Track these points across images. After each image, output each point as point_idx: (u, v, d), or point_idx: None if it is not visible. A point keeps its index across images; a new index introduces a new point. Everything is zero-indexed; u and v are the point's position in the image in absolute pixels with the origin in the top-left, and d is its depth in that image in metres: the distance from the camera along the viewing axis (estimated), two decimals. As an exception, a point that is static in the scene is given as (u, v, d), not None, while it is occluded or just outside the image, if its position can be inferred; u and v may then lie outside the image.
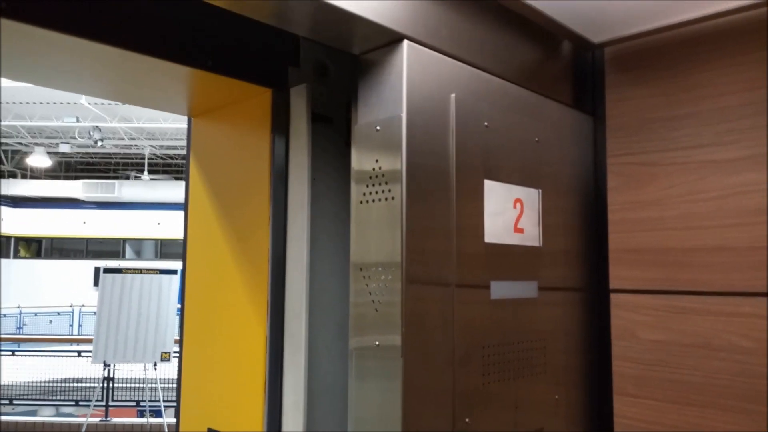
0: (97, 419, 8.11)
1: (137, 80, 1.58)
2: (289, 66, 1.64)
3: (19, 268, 21.58)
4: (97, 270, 7.55)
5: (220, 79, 1.54)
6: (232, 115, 1.78)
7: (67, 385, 10.18)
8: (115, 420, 8.32)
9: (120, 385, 8.94)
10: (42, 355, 11.09)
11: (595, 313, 1.83)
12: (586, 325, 1.81)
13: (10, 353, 11.03)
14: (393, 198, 1.33)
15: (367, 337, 1.37)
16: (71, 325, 17.33)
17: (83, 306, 16.90)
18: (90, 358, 7.50)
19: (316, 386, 1.56)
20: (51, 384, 10.19)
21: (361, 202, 1.40)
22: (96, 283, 7.38)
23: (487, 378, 1.48)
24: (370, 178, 1.38)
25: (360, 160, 1.41)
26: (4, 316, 15.73)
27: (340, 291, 1.63)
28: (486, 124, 1.52)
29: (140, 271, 7.49)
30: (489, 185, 1.51)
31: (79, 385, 9.89)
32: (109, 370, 8.27)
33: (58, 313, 17.64)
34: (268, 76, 1.62)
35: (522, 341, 1.59)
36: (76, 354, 10.62)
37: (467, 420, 1.41)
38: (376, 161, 1.37)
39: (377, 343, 1.34)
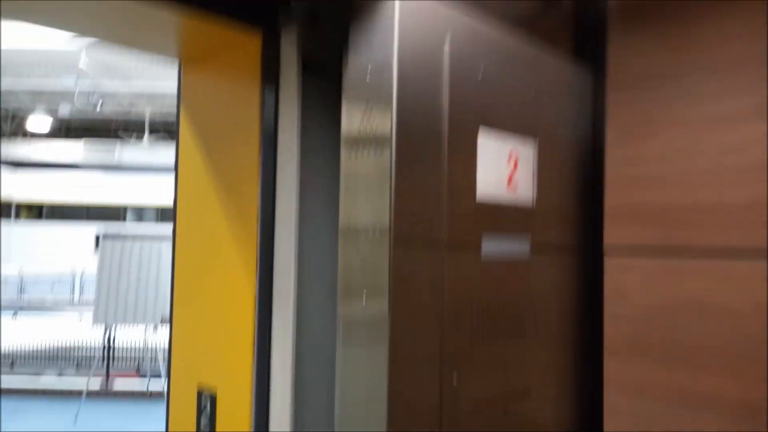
0: (98, 382, 8.21)
1: (125, 18, 1.52)
2: (279, 9, 1.58)
3: (20, 232, 21.63)
4: (98, 236, 7.52)
5: (208, 17, 1.48)
6: (221, 63, 1.72)
7: (68, 349, 10.28)
8: (116, 383, 8.43)
9: (120, 346, 9.04)
10: (44, 316, 11.20)
11: (588, 274, 1.80)
12: (579, 286, 1.79)
13: (11, 315, 11.13)
14: (382, 153, 1.29)
15: (354, 298, 1.34)
16: (73, 290, 17.44)
17: (84, 271, 16.96)
18: (91, 321, 7.55)
19: (305, 343, 1.54)
20: (52, 349, 10.30)
21: (350, 157, 1.36)
22: (97, 247, 7.39)
23: (476, 339, 1.46)
24: (360, 130, 1.34)
25: (350, 111, 1.37)
26: (5, 281, 15.82)
27: (332, 248, 1.60)
28: (481, 75, 1.47)
29: (140, 237, 7.47)
30: (482, 140, 1.47)
31: (81, 348, 10.00)
32: (109, 333, 8.35)
33: (59, 279, 17.73)
34: (258, 15, 1.56)
35: (513, 302, 1.57)
36: (77, 317, 10.73)
37: (455, 381, 1.40)
38: (366, 112, 1.33)
39: (365, 303, 1.31)
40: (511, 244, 1.56)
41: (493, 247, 1.50)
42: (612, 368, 1.67)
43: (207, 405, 1.56)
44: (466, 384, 1.42)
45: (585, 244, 1.79)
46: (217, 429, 1.54)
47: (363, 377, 1.31)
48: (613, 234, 1.68)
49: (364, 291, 1.32)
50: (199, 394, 1.59)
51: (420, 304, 1.33)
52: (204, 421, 1.55)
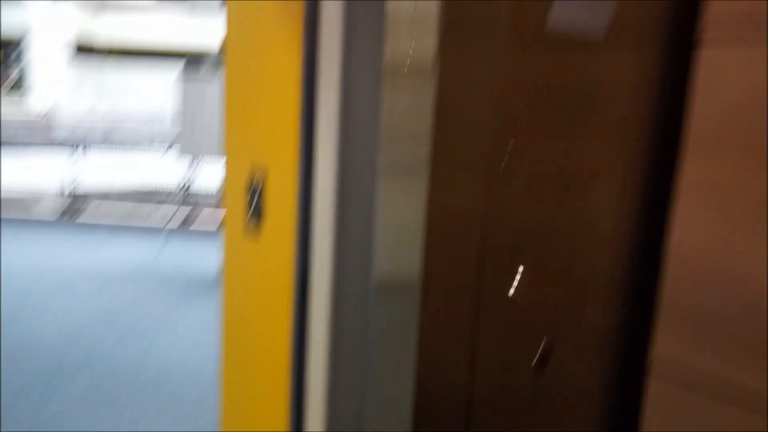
0: (181, 217, 8.81)
1: None
2: None
3: (108, 72, 22.32)
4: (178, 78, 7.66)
5: None
6: None
7: (155, 185, 10.95)
8: (199, 216, 9.00)
9: (204, 182, 9.54)
10: (129, 152, 11.84)
11: (674, 66, 1.60)
12: (662, 78, 1.60)
13: (99, 153, 11.86)
14: None
15: (398, 130, 1.23)
16: (157, 132, 18.17)
17: (169, 111, 17.53)
18: (174, 157, 7.94)
19: (350, 130, 1.46)
20: (140, 184, 10.98)
21: None
22: (178, 88, 7.56)
23: (533, 134, 1.34)
24: None
25: None
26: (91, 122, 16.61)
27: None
28: None
29: (217, 81, 7.52)
30: None
31: (167, 184, 10.62)
32: (193, 168, 8.77)
33: (145, 118, 18.46)
34: None
35: (576, 89, 1.42)
36: (164, 153, 11.33)
37: (507, 157, 1.31)
38: None
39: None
40: (584, 16, 1.38)
41: (563, 18, 1.33)
42: (690, 170, 1.52)
43: (258, 181, 1.57)
44: (515, 180, 1.34)
45: (673, 28, 1.57)
46: (267, 204, 1.56)
47: (401, 202, 1.24)
48: (707, 17, 1.46)
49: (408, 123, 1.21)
50: (251, 173, 1.60)
51: (468, 108, 1.21)
52: (254, 198, 1.56)
